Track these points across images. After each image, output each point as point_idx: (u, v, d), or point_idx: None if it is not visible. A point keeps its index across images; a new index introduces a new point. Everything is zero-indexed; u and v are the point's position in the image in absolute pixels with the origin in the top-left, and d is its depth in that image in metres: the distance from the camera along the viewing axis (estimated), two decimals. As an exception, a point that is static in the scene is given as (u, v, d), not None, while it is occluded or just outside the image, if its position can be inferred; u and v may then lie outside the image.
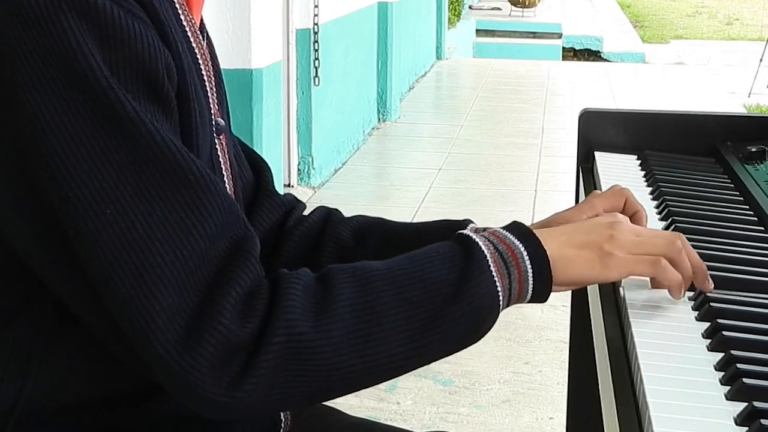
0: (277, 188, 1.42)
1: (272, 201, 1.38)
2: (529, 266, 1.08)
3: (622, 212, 1.34)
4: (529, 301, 1.10)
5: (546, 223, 1.32)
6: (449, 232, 1.33)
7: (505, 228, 1.11)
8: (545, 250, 1.09)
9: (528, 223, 1.33)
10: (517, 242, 1.09)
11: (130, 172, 0.96)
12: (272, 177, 1.42)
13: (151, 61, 0.98)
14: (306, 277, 1.03)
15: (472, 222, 1.36)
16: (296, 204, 1.42)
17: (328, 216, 1.39)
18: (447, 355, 1.08)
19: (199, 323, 0.95)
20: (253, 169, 1.39)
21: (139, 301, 0.95)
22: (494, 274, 1.06)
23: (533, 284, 1.08)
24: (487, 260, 1.07)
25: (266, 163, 1.42)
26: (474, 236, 1.09)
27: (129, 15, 0.98)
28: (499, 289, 1.06)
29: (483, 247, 1.07)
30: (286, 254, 1.36)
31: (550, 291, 1.10)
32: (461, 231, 1.11)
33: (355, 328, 1.01)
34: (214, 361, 0.95)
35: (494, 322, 1.08)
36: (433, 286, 1.05)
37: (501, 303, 1.07)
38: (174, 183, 0.97)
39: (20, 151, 0.96)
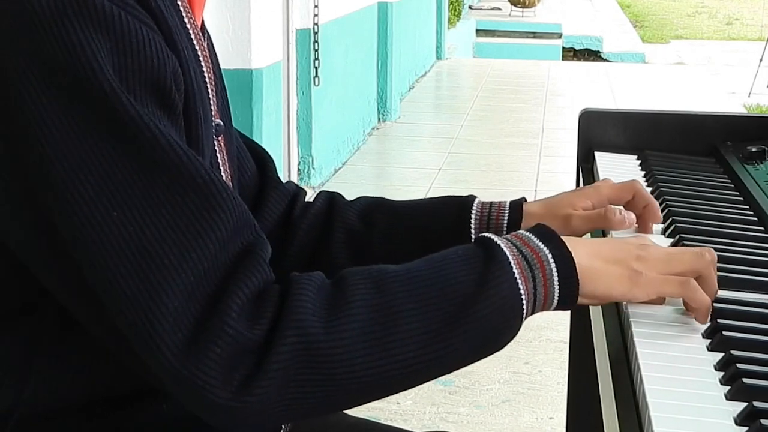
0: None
1: (278, 191, 1.39)
2: (554, 269, 1.04)
3: (631, 205, 1.35)
4: (555, 308, 1.06)
5: (548, 203, 1.33)
6: (454, 207, 1.35)
7: (529, 230, 1.07)
8: (571, 253, 1.05)
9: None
10: (541, 245, 1.05)
11: (138, 176, 0.94)
12: (275, 167, 1.42)
13: (158, 67, 0.97)
14: (318, 278, 1.01)
15: (477, 197, 1.37)
16: (298, 191, 1.42)
17: (332, 201, 1.39)
18: (467, 364, 1.03)
19: (206, 326, 0.93)
20: (256, 160, 1.39)
21: (145, 304, 0.93)
22: (517, 276, 1.02)
23: (559, 288, 1.04)
24: (509, 261, 1.03)
25: (268, 154, 1.42)
26: (495, 238, 1.05)
27: (136, 20, 0.97)
28: (522, 292, 1.02)
29: (505, 249, 1.04)
30: (297, 243, 1.37)
31: (578, 296, 1.05)
32: (483, 234, 1.07)
33: (371, 329, 0.97)
34: (222, 365, 0.93)
35: (518, 329, 1.03)
36: (452, 288, 1.00)
37: (525, 307, 1.02)
38: (183, 187, 0.96)
39: (24, 156, 0.95)
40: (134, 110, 0.94)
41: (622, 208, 1.31)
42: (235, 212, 0.98)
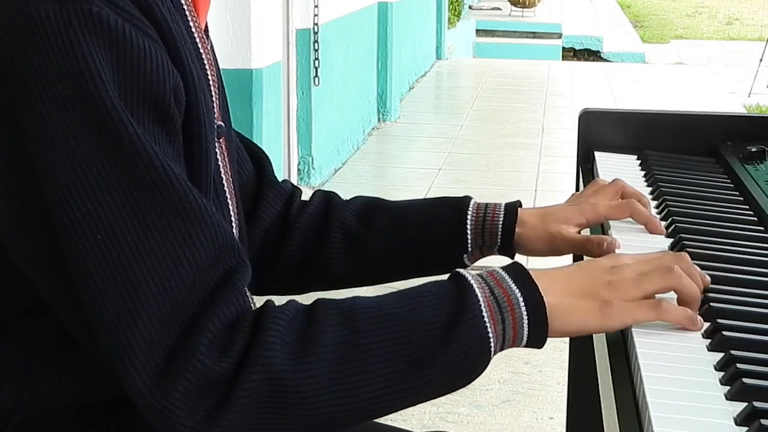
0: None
1: (275, 191, 1.39)
2: (524, 313, 1.04)
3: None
4: (525, 346, 1.06)
5: (543, 215, 1.33)
6: (450, 209, 1.36)
7: (504, 269, 1.07)
8: (542, 297, 1.04)
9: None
10: (514, 287, 1.05)
11: (127, 197, 0.94)
12: (272, 166, 1.42)
13: (159, 83, 0.97)
14: (291, 310, 1.00)
15: (473, 198, 1.37)
16: (294, 190, 1.42)
17: (328, 201, 1.40)
18: (432, 398, 1.04)
19: (176, 357, 0.93)
20: (253, 160, 1.40)
21: (121, 330, 0.93)
22: (486, 319, 1.02)
23: (528, 330, 1.04)
24: (480, 305, 1.03)
25: (265, 153, 1.42)
26: (470, 277, 1.05)
27: (140, 33, 0.96)
28: (490, 335, 1.03)
29: (477, 291, 1.03)
30: (294, 243, 1.37)
31: (546, 339, 1.06)
32: (458, 270, 1.07)
33: (338, 368, 0.97)
34: (189, 396, 0.93)
35: (484, 368, 1.05)
36: (421, 329, 1.01)
37: (492, 349, 1.03)
38: (170, 211, 0.95)
39: (24, 164, 0.95)
40: (132, 129, 0.94)
41: (607, 237, 1.31)
42: (218, 238, 0.98)
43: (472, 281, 1.04)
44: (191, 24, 1.11)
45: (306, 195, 1.43)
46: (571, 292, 1.07)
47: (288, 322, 0.98)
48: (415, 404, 1.04)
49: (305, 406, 0.96)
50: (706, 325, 1.11)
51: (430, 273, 1.38)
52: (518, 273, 1.06)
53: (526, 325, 1.04)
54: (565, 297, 1.06)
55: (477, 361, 1.03)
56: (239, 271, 1.00)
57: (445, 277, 1.08)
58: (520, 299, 1.04)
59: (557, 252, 1.34)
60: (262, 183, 1.38)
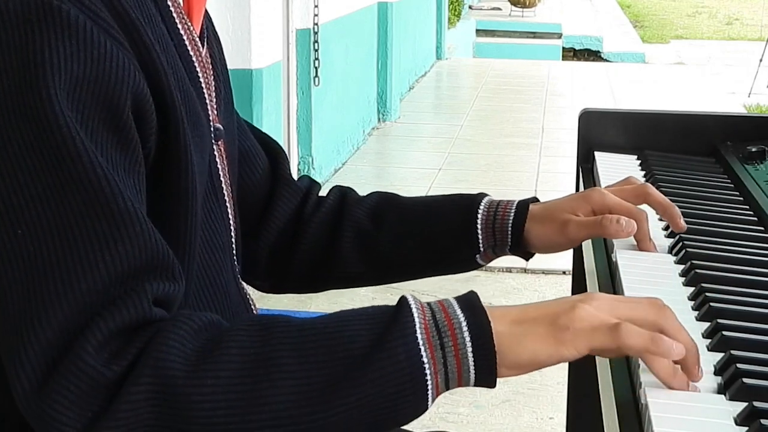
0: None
1: (290, 189, 1.38)
2: (467, 338, 0.93)
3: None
4: (475, 384, 0.95)
5: (550, 207, 1.31)
6: (462, 208, 1.33)
7: (456, 297, 0.97)
8: (489, 322, 0.94)
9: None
10: (459, 312, 0.95)
11: (53, 194, 0.91)
12: (288, 163, 1.40)
13: (115, 82, 0.94)
14: (205, 320, 0.94)
15: (488, 195, 1.35)
16: (312, 186, 1.41)
17: (343, 198, 1.38)
18: None
19: (61, 359, 0.88)
20: (268, 154, 1.39)
21: (20, 330, 0.89)
22: (420, 341, 0.92)
23: (474, 360, 0.93)
24: (413, 324, 0.93)
25: (281, 149, 1.41)
26: (411, 300, 0.96)
27: (102, 32, 0.95)
28: (425, 359, 0.92)
29: (414, 311, 0.94)
30: (307, 242, 1.36)
31: (495, 372, 0.94)
32: (405, 295, 0.97)
33: (239, 380, 0.89)
34: (73, 401, 0.88)
35: (425, 401, 0.93)
36: (343, 346, 0.92)
37: (429, 378, 0.92)
38: (95, 211, 0.91)
39: None
40: (64, 122, 0.91)
41: (621, 216, 1.26)
42: (147, 249, 0.93)
43: (412, 303, 0.95)
44: (179, 27, 1.10)
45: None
46: (525, 320, 0.96)
47: (196, 330, 0.92)
48: None
49: (197, 418, 0.89)
50: (706, 325, 1.11)
51: (443, 273, 1.37)
52: (468, 300, 0.97)
53: (470, 353, 0.93)
54: (517, 325, 0.95)
55: (409, 390, 0.92)
56: (159, 283, 0.94)
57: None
58: (464, 324, 0.94)
59: (571, 242, 1.29)
60: (277, 181, 1.38)
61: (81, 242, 0.91)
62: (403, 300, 0.96)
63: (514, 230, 1.30)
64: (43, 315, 0.89)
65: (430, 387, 0.93)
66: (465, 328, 0.94)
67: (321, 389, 0.90)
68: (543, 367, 0.96)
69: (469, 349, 0.93)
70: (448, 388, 0.95)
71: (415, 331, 0.93)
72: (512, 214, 1.31)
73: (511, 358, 0.95)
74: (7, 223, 0.91)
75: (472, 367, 0.94)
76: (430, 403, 0.94)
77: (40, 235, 0.90)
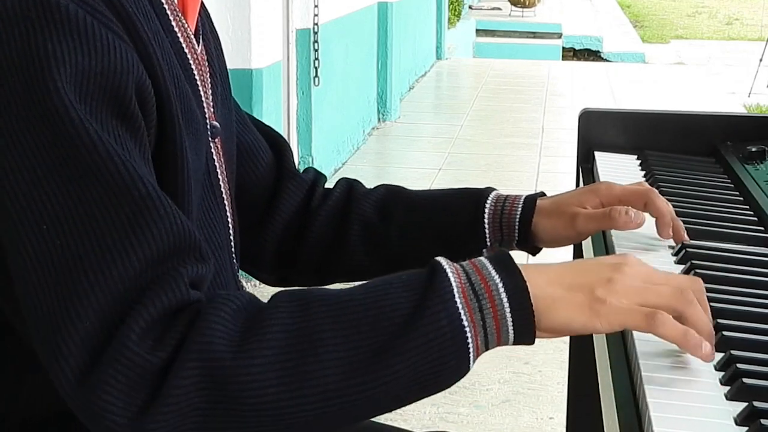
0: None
1: (295, 182, 1.38)
2: (505, 299, 0.94)
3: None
4: (514, 343, 0.96)
5: (557, 201, 1.30)
6: (470, 201, 1.32)
7: (488, 256, 0.98)
8: (526, 283, 0.95)
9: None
10: (493, 273, 0.96)
11: (73, 186, 0.91)
12: (292, 156, 1.40)
13: (120, 74, 0.95)
14: (243, 300, 0.94)
15: (495, 189, 1.34)
16: (317, 178, 1.41)
17: (350, 191, 1.38)
18: (405, 402, 0.94)
19: (105, 349, 0.88)
20: (273, 148, 1.38)
21: (56, 322, 0.89)
22: (459, 305, 0.93)
23: (513, 320, 0.95)
24: (452, 289, 0.94)
25: (286, 142, 1.41)
26: (445, 263, 0.97)
27: (102, 26, 0.95)
28: (465, 323, 0.93)
29: (450, 275, 0.95)
30: (314, 235, 1.36)
31: (534, 330, 0.96)
32: (437, 258, 0.98)
33: (286, 356, 0.90)
34: (120, 389, 0.88)
35: (467, 364, 0.94)
36: (384, 315, 0.92)
37: (469, 340, 0.93)
38: (117, 199, 0.91)
39: None
40: (76, 114, 0.91)
41: (630, 208, 1.27)
42: (174, 231, 0.93)
43: (447, 267, 0.96)
44: (173, 24, 1.10)
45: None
46: (561, 284, 0.97)
47: (235, 310, 0.92)
48: (385, 408, 0.94)
49: (248, 398, 0.89)
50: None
51: None
52: (501, 260, 0.97)
53: (509, 315, 0.94)
54: (553, 288, 0.97)
55: (452, 354, 0.93)
56: (191, 264, 0.94)
57: None
58: (500, 285, 0.95)
59: (578, 234, 1.29)
60: (281, 174, 1.37)
61: (108, 231, 0.91)
62: (436, 264, 0.97)
63: (522, 225, 1.30)
64: (80, 306, 0.89)
65: (471, 349, 0.94)
66: (502, 290, 0.95)
67: (366, 360, 0.91)
68: (576, 334, 0.98)
69: (508, 311, 0.95)
70: (488, 349, 0.96)
71: (454, 295, 0.94)
72: (520, 209, 1.31)
73: (546, 321, 0.96)
74: (30, 219, 0.91)
75: (510, 328, 0.95)
76: (471, 364, 0.95)
77: (66, 227, 0.90)
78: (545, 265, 1.00)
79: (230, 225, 1.21)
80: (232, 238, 1.22)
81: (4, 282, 0.96)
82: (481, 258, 0.99)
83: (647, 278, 1.00)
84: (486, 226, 1.31)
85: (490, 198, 1.32)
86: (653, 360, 1.02)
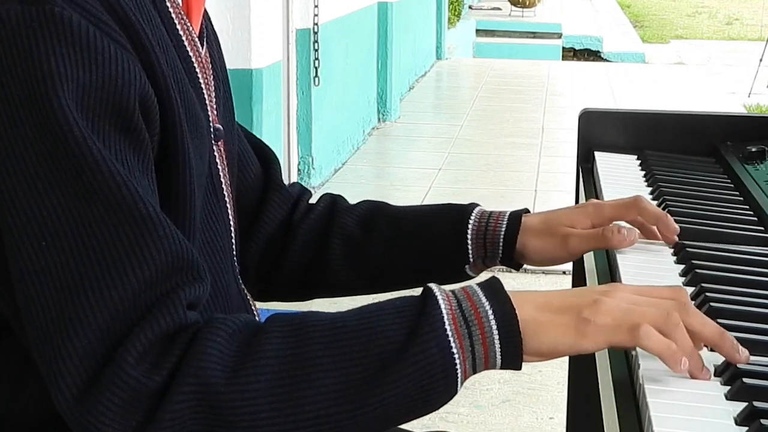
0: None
1: (281, 195, 1.37)
2: (494, 326, 0.96)
3: (640, 223, 1.32)
4: (501, 368, 0.98)
5: (548, 219, 1.31)
6: (453, 217, 1.32)
7: (479, 284, 1.00)
8: (514, 310, 0.97)
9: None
10: (484, 300, 0.97)
11: (74, 203, 0.91)
12: (280, 169, 1.40)
13: (123, 86, 0.94)
14: (238, 323, 0.95)
15: (479, 205, 1.34)
16: (302, 193, 1.40)
17: (333, 205, 1.38)
18: (393, 425, 0.96)
19: (103, 370, 0.89)
20: (261, 160, 1.38)
21: (55, 340, 0.90)
22: (449, 332, 0.95)
23: (501, 347, 0.96)
24: (442, 317, 0.96)
25: (274, 155, 1.41)
26: (437, 290, 0.98)
27: (106, 36, 0.94)
28: (454, 350, 0.95)
29: (441, 303, 0.97)
30: (295, 249, 1.36)
31: (521, 356, 0.98)
32: (429, 285, 0.99)
33: (279, 382, 0.91)
34: (116, 411, 0.89)
35: (455, 388, 0.96)
36: (376, 342, 0.94)
37: (457, 366, 0.95)
38: (118, 218, 0.92)
39: None
40: (79, 132, 0.91)
41: (623, 224, 1.28)
42: (172, 251, 0.94)
43: (438, 294, 0.98)
44: (178, 28, 1.10)
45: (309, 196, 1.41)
46: (549, 309, 0.99)
47: (230, 334, 0.93)
48: (370, 429, 0.95)
49: (241, 422, 0.90)
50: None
51: (434, 282, 1.37)
52: (491, 287, 0.99)
53: (497, 341, 0.96)
54: (540, 313, 0.98)
55: (441, 379, 0.95)
56: (189, 286, 0.95)
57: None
58: (490, 312, 0.96)
59: (570, 255, 1.29)
60: (268, 186, 1.37)
61: (107, 250, 0.91)
62: (428, 291, 0.99)
63: (506, 242, 1.30)
64: (78, 325, 0.90)
65: (459, 374, 0.96)
66: (491, 317, 0.97)
67: (359, 386, 0.93)
68: (563, 356, 0.99)
69: (496, 337, 0.96)
70: (475, 372, 0.98)
71: (444, 323, 0.96)
72: (504, 226, 1.30)
73: (533, 345, 0.98)
74: (30, 235, 0.91)
75: (498, 354, 0.97)
76: (459, 388, 0.97)
77: (65, 245, 0.91)
78: (535, 292, 1.01)
79: (232, 228, 1.21)
80: (233, 241, 1.22)
81: (5, 288, 0.97)
82: (472, 285, 1.00)
83: (633, 300, 1.01)
84: (469, 242, 1.31)
85: (473, 214, 1.32)
86: (653, 360, 1.02)
